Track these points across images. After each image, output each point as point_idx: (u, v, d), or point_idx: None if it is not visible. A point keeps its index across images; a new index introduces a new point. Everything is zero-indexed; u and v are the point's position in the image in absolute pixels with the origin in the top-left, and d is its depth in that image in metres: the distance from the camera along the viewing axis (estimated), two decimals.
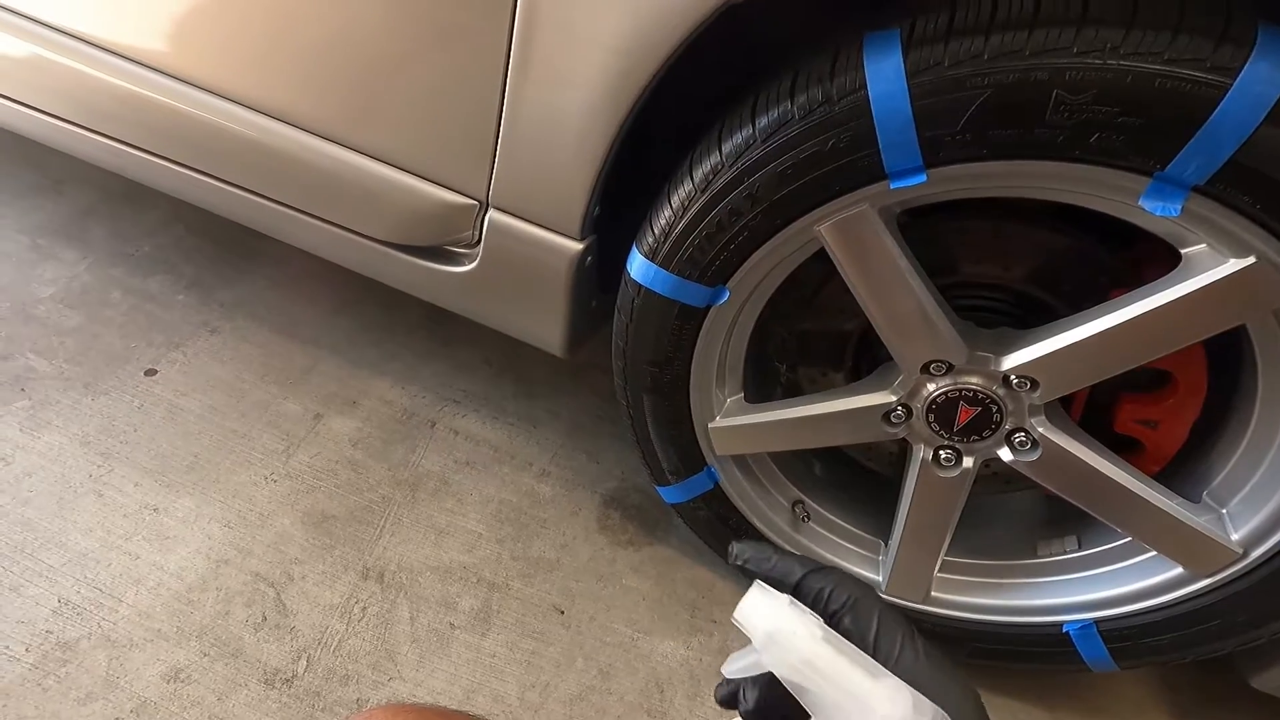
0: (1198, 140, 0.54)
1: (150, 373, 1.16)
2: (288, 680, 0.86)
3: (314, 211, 0.97)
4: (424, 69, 0.79)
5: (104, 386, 1.13)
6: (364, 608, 0.95)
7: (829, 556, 0.99)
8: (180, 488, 1.03)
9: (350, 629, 0.92)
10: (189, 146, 0.98)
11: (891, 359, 0.82)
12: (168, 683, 0.84)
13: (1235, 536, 0.76)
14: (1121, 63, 0.53)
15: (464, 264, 0.93)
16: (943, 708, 0.32)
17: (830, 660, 0.33)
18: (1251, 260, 0.60)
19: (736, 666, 0.39)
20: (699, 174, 0.72)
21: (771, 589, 0.38)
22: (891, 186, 0.65)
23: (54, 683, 0.82)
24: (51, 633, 0.86)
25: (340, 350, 1.26)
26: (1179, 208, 0.58)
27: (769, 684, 0.40)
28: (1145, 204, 0.59)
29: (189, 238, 1.40)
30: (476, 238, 0.89)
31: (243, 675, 0.86)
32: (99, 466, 1.03)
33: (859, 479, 1.05)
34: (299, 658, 0.89)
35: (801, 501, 1.00)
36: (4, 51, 0.99)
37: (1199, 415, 0.79)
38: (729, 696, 0.43)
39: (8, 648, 0.84)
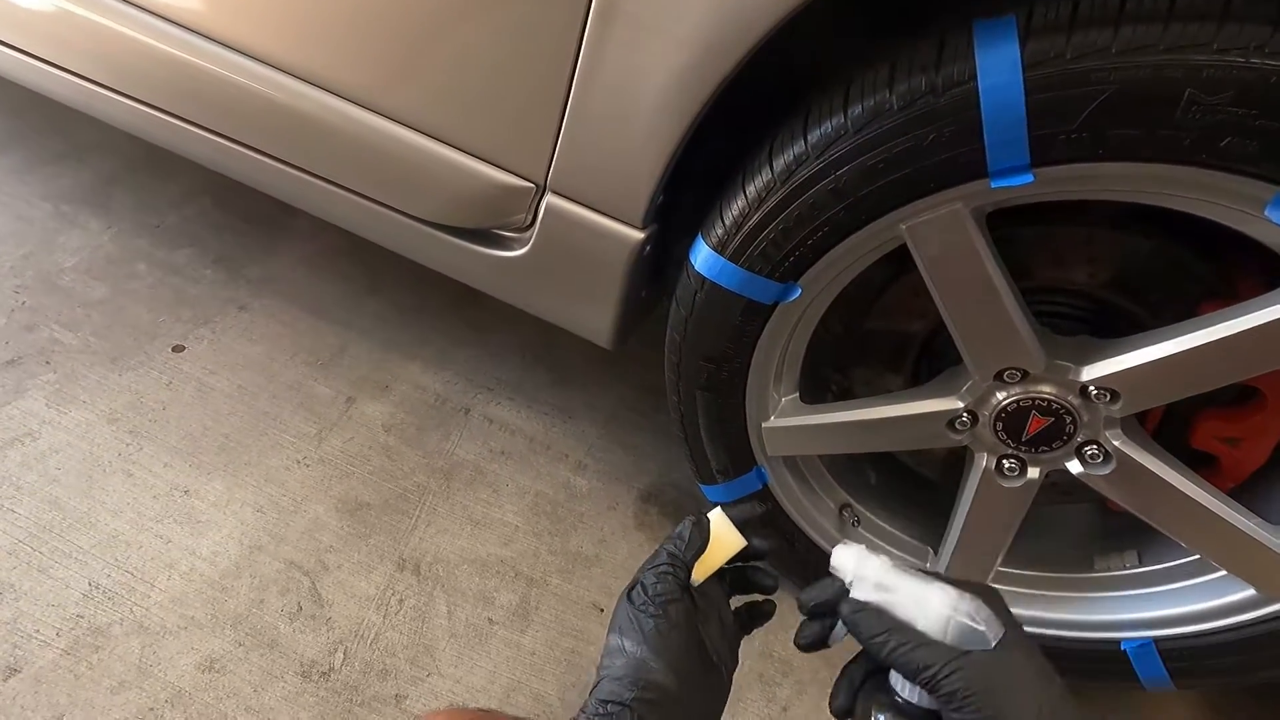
0: None
1: (178, 349, 1.13)
2: (325, 673, 0.84)
3: (355, 187, 0.93)
4: (486, 38, 0.75)
5: (131, 362, 1.10)
6: (401, 600, 0.92)
7: None
8: (211, 469, 1.00)
9: (387, 622, 0.90)
10: (225, 113, 0.94)
11: (957, 363, 0.79)
12: (203, 673, 0.82)
13: None
14: (1267, 62, 0.50)
15: (514, 249, 0.89)
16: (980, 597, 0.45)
17: (897, 579, 0.47)
18: None
19: (834, 633, 0.51)
20: (780, 164, 0.68)
21: (851, 544, 0.52)
22: (992, 185, 0.61)
23: (86, 669, 0.80)
24: (83, 617, 0.83)
25: (372, 332, 1.23)
26: None
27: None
28: (1272, 214, 0.56)
29: (215, 211, 1.36)
30: (529, 222, 0.86)
31: (279, 667, 0.84)
32: (128, 445, 1.00)
33: (909, 485, 1.02)
34: (336, 650, 0.86)
35: (849, 505, 0.97)
36: (30, 5, 0.94)
37: None
38: (815, 638, 0.52)
39: (38, 631, 0.81)
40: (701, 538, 0.56)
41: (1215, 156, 0.54)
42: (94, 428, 1.01)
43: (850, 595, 0.48)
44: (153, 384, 1.08)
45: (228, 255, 1.29)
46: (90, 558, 0.88)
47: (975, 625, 0.42)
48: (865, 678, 0.50)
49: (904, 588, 0.45)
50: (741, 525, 0.59)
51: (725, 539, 0.58)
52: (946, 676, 0.40)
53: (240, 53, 0.87)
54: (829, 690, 0.52)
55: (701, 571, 0.56)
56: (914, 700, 0.45)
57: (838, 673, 0.52)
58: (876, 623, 0.44)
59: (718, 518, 0.59)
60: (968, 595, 0.44)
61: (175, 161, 1.05)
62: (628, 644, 0.49)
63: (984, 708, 0.39)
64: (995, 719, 0.39)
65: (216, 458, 1.01)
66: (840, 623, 0.49)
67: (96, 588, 0.86)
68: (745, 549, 0.59)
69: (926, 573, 0.48)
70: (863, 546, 0.50)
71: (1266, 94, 0.51)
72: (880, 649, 0.43)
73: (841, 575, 0.48)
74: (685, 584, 0.53)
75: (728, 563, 0.59)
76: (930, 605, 0.43)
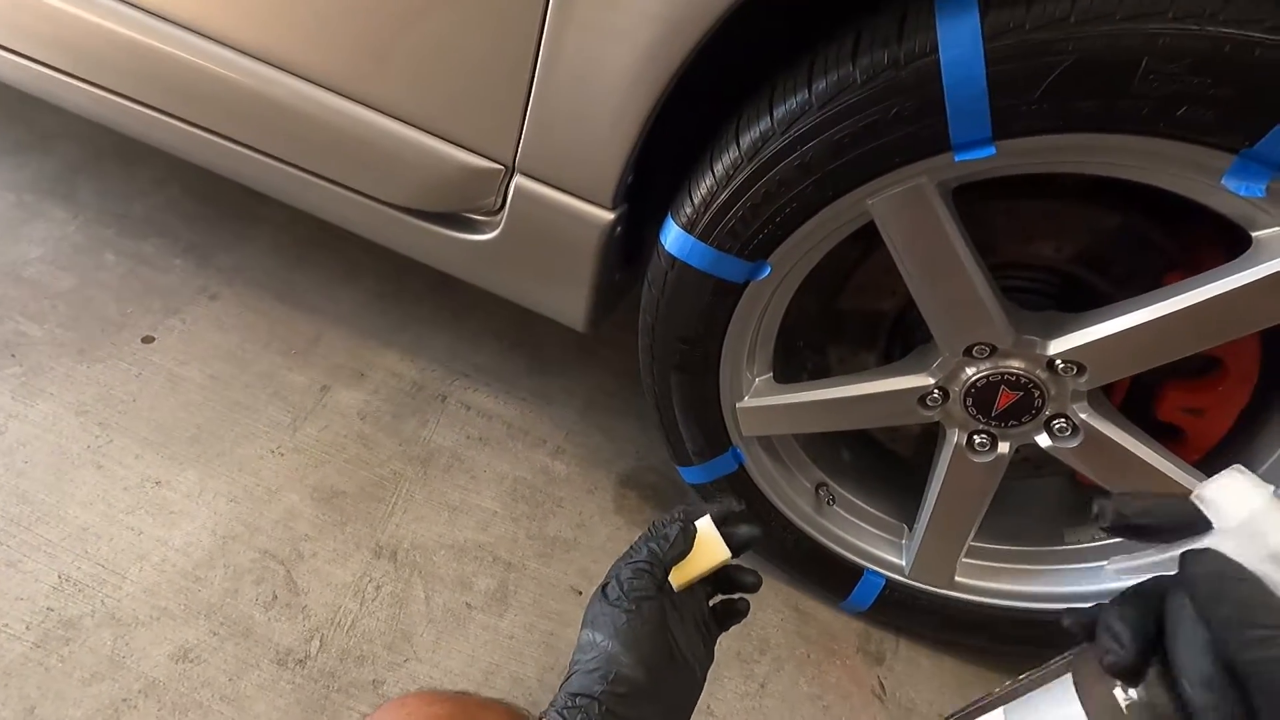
0: None
1: (148, 340, 1.12)
2: (300, 661, 0.84)
3: (323, 173, 0.92)
4: (450, 19, 0.74)
5: (99, 353, 1.08)
6: (378, 587, 0.92)
7: (851, 540, 0.98)
8: (183, 460, 0.99)
9: (364, 609, 0.89)
10: (190, 99, 0.92)
11: (928, 340, 0.80)
12: (176, 662, 0.81)
13: None
14: (1222, 30, 0.50)
15: (484, 232, 0.88)
16: None
17: None
18: None
19: (1137, 566, 0.32)
20: (746, 141, 0.68)
21: (1256, 476, 0.31)
22: (956, 159, 0.61)
23: (57, 662, 0.79)
24: (53, 610, 0.82)
25: (346, 320, 1.21)
26: (1264, 188, 0.55)
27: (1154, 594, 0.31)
28: (1228, 183, 0.56)
29: (184, 199, 1.34)
30: (499, 204, 0.85)
31: (254, 655, 0.83)
32: (97, 437, 0.99)
33: (883, 462, 1.03)
34: (312, 638, 0.86)
35: (825, 484, 0.98)
36: None
37: (1247, 402, 0.77)
38: (1080, 621, 0.34)
39: (7, 625, 0.80)
40: (686, 543, 0.55)
41: (1173, 126, 0.54)
42: (62, 420, 0.99)
43: (1212, 543, 0.30)
44: (122, 375, 1.06)
45: (198, 244, 1.27)
46: (60, 550, 0.87)
47: None
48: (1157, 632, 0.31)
49: None
50: (727, 534, 0.57)
51: (710, 550, 0.56)
52: None
53: (206, 37, 0.86)
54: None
55: (680, 578, 0.55)
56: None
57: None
58: (1268, 608, 0.27)
59: (705, 527, 0.57)
60: None
61: (142, 149, 1.03)
62: (599, 638, 0.48)
63: None
64: None
65: (188, 448, 1.00)
66: (1165, 564, 0.31)
67: (67, 580, 0.85)
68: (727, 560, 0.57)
69: None
70: (1271, 488, 0.30)
71: (1221, 62, 0.51)
72: (1254, 649, 0.26)
73: (1214, 515, 0.30)
74: (661, 582, 0.52)
75: (708, 574, 0.57)
76: None
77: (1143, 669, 0.30)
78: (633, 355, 0.90)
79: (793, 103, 0.65)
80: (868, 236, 0.74)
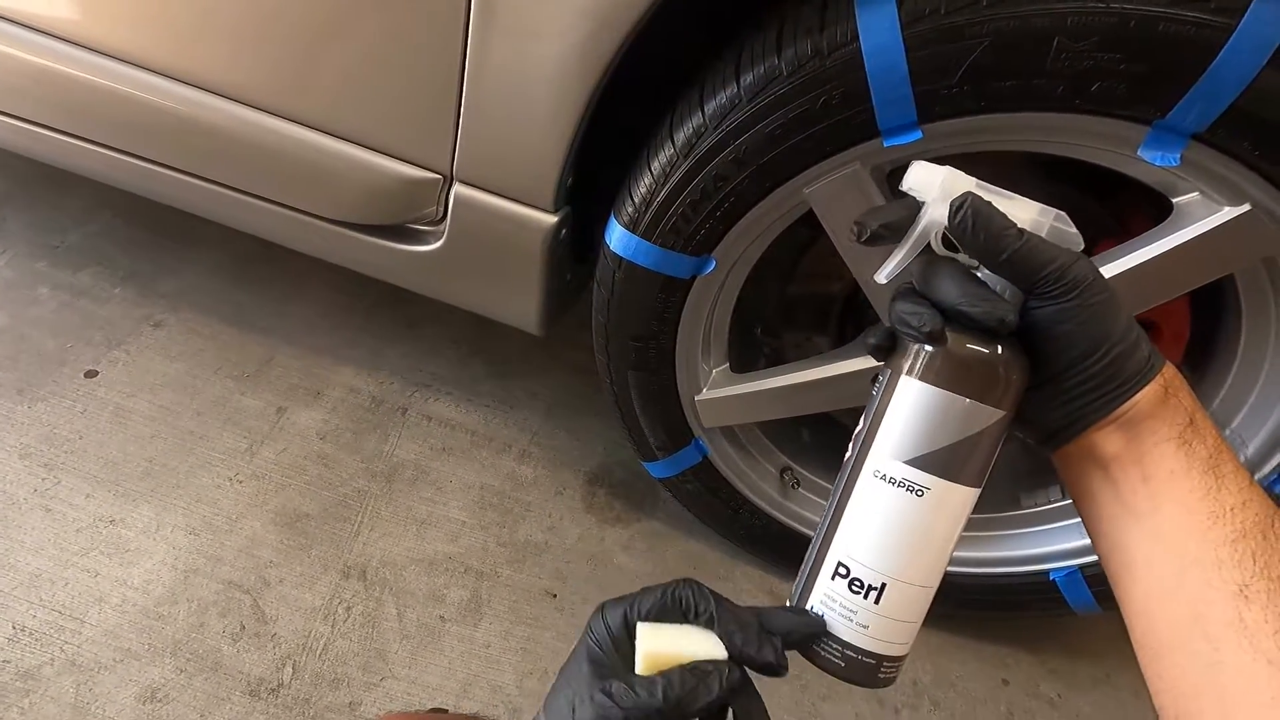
0: (1200, 86, 0.53)
1: (91, 374, 1.08)
2: (273, 690, 0.83)
3: (259, 193, 0.90)
4: (373, 28, 0.72)
5: (40, 392, 1.05)
6: (348, 608, 0.91)
7: (819, 520, 0.99)
8: (136, 496, 0.96)
9: (336, 631, 0.89)
10: (113, 126, 0.89)
11: (878, 322, 0.81)
12: (144, 703, 0.79)
13: None
14: (1125, 6, 0.51)
15: (429, 243, 0.87)
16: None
17: (989, 190, 0.39)
18: (1246, 208, 0.59)
19: (897, 261, 0.40)
20: (680, 138, 0.68)
21: (927, 161, 0.41)
22: (885, 145, 0.62)
23: (17, 715, 0.77)
24: (9, 662, 0.80)
25: (298, 338, 1.19)
26: (1178, 157, 0.57)
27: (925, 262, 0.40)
28: (1144, 154, 0.58)
29: (120, 226, 1.30)
30: (441, 214, 0.84)
31: (224, 689, 0.82)
32: (43, 479, 0.96)
33: (845, 441, 1.04)
34: (283, 665, 0.85)
35: (790, 468, 0.99)
36: None
37: (1180, 362, 0.80)
38: (882, 338, 0.41)
39: None
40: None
41: (1088, 101, 0.56)
42: (4, 465, 0.96)
43: (932, 212, 0.39)
44: (65, 413, 1.03)
45: (137, 271, 1.23)
46: (11, 600, 0.84)
47: (1068, 229, 0.39)
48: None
49: (995, 198, 0.38)
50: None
51: (697, 648, 0.38)
52: (1072, 264, 0.36)
53: (123, 61, 0.83)
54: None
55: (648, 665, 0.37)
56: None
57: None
58: (1002, 217, 0.36)
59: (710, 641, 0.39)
60: (1051, 210, 0.39)
61: (72, 177, 1.00)
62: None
63: (1098, 295, 0.36)
64: (1103, 309, 0.37)
65: (141, 483, 0.97)
66: (911, 249, 0.39)
67: (22, 630, 0.83)
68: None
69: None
70: (947, 166, 0.40)
71: (1128, 38, 0.52)
72: (1003, 243, 0.36)
73: (922, 195, 0.39)
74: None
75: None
76: (1022, 214, 0.38)
77: (943, 326, 0.38)
78: (594, 353, 0.90)
79: (723, 97, 0.65)
80: (813, 223, 0.75)
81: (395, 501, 1.02)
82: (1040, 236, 0.38)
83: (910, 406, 0.39)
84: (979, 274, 0.39)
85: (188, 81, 0.82)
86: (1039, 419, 0.40)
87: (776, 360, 0.98)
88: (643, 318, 0.80)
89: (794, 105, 0.62)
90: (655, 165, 0.71)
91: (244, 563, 0.92)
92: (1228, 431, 0.78)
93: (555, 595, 0.97)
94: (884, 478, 0.39)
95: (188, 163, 0.90)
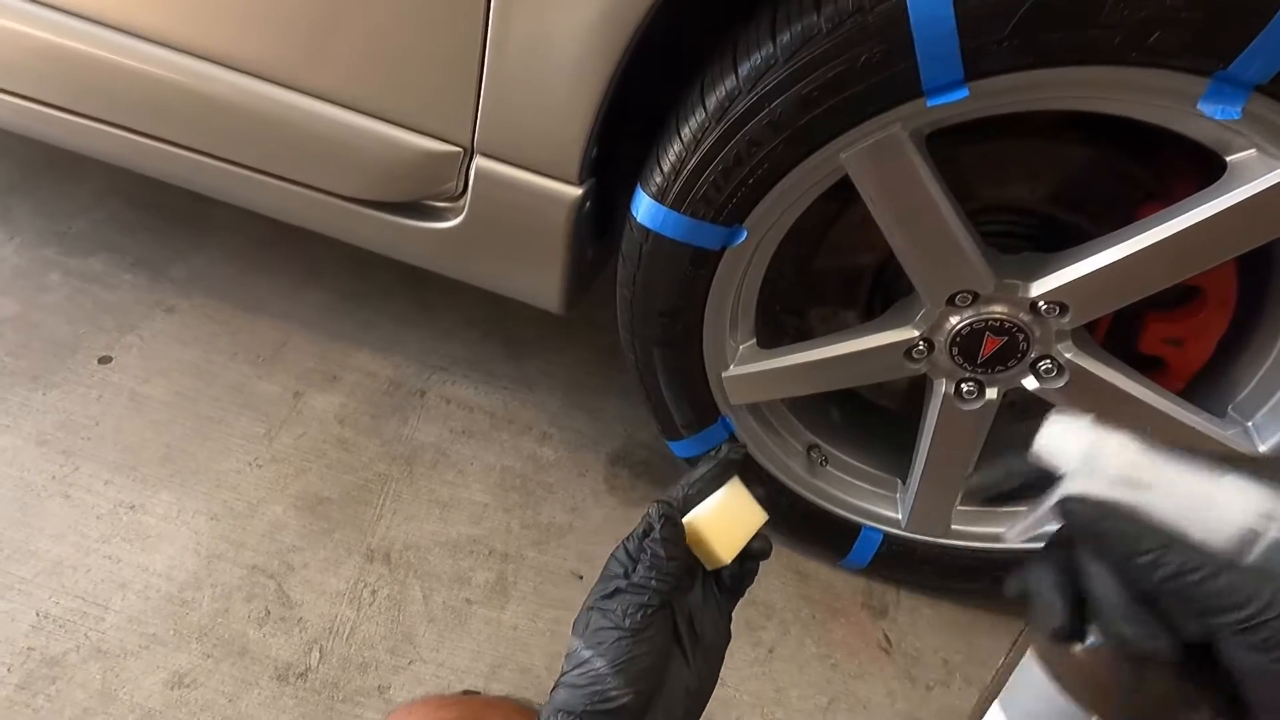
0: (1266, 33, 0.50)
1: (105, 360, 1.07)
2: (301, 674, 0.82)
3: (272, 170, 0.87)
4: None
5: (54, 379, 1.03)
6: (373, 591, 0.90)
7: (847, 499, 0.98)
8: (156, 482, 0.95)
9: (362, 614, 0.88)
10: (123, 104, 0.87)
11: (909, 293, 0.79)
12: (171, 689, 0.79)
13: (1262, 448, 0.76)
14: None
15: (448, 219, 0.85)
16: None
17: (1156, 469, 0.29)
18: None
19: (1023, 527, 0.32)
20: (713, 101, 0.66)
21: (1067, 417, 0.32)
22: (928, 104, 0.60)
23: (44, 701, 0.76)
24: (34, 649, 0.79)
25: (313, 322, 1.17)
26: (1240, 109, 0.54)
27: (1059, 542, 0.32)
28: (1204, 107, 0.55)
29: (128, 210, 1.28)
30: (461, 189, 0.82)
31: (252, 674, 0.81)
32: (61, 466, 0.94)
33: (873, 419, 1.02)
34: (311, 649, 0.84)
35: (817, 446, 0.97)
36: None
37: (1226, 329, 0.78)
38: (1017, 590, 0.34)
39: None
40: (684, 550, 0.49)
41: (1146, 54, 0.53)
42: (22, 453, 0.95)
43: (1068, 488, 0.30)
44: (81, 400, 1.02)
45: (147, 256, 1.21)
46: (34, 587, 0.84)
47: None
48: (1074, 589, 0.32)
49: (1170, 481, 0.28)
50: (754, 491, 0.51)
51: (749, 515, 0.49)
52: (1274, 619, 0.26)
53: (132, 34, 0.80)
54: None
55: (727, 551, 0.48)
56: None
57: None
58: (1145, 533, 0.28)
59: (736, 491, 0.50)
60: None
61: (79, 162, 0.98)
62: (586, 652, 0.45)
63: None
64: None
65: (160, 469, 0.96)
66: (1046, 517, 0.31)
67: (46, 617, 0.82)
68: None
69: (1192, 453, 0.30)
70: (1089, 418, 0.31)
71: None
72: (1150, 572, 0.27)
73: (1054, 461, 0.31)
74: (666, 599, 0.47)
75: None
76: (1221, 508, 0.27)
77: (1081, 625, 0.31)
78: (612, 331, 0.88)
79: (758, 58, 0.62)
80: (842, 192, 0.72)
81: (416, 485, 1.01)
82: (1220, 559, 0.27)
83: (1033, 685, 0.32)
84: None
85: (199, 55, 0.79)
86: None
87: (803, 336, 0.96)
88: (670, 292, 0.78)
89: (833, 64, 0.59)
90: (685, 131, 0.68)
91: (267, 547, 0.91)
92: (1272, 402, 0.76)
93: (581, 577, 0.96)
94: None
95: (200, 141, 0.88)
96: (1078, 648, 0.31)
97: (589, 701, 0.44)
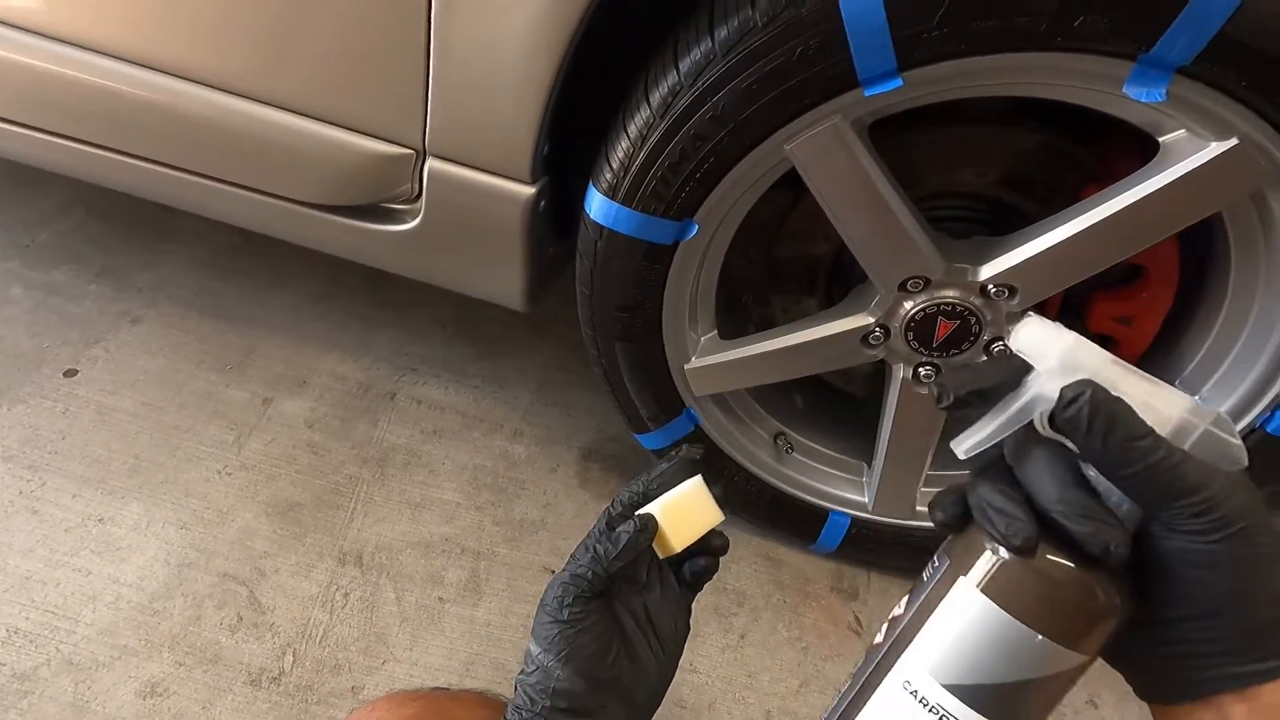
0: (1186, 15, 0.51)
1: (70, 373, 1.06)
2: (275, 678, 0.82)
3: (228, 178, 0.87)
4: (335, 2, 0.70)
5: (19, 394, 1.03)
6: (346, 594, 0.90)
7: (814, 484, 0.99)
8: (124, 493, 0.95)
9: (335, 617, 0.88)
10: (74, 118, 0.86)
11: (865, 281, 0.80)
12: (144, 699, 0.79)
13: None
14: None
15: (405, 221, 0.85)
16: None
17: (1121, 374, 0.31)
18: (1234, 142, 0.58)
19: (984, 435, 0.32)
20: (656, 98, 0.66)
21: (1044, 319, 0.33)
22: (865, 94, 0.60)
23: (16, 716, 0.76)
24: (4, 664, 0.79)
25: (280, 327, 1.17)
26: (1164, 91, 0.56)
27: (1025, 440, 0.32)
28: (1130, 90, 0.56)
29: (93, 221, 1.27)
30: (416, 191, 0.82)
31: (225, 680, 0.81)
32: (28, 481, 0.94)
33: (837, 404, 1.04)
34: (284, 654, 0.84)
35: (783, 433, 0.99)
36: None
37: (1171, 305, 0.80)
38: (953, 514, 0.33)
39: None
40: (646, 541, 0.49)
41: (1071, 38, 0.54)
42: None
43: (1034, 386, 0.31)
44: (47, 414, 1.01)
45: (112, 267, 1.21)
46: (2, 603, 0.84)
47: (1228, 438, 0.30)
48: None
49: (1129, 385, 0.30)
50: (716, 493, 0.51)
51: (704, 512, 0.50)
52: (1227, 496, 0.28)
53: (82, 47, 0.80)
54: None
55: (680, 541, 0.49)
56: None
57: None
58: (1136, 420, 0.29)
59: (696, 488, 0.50)
60: (1206, 408, 0.31)
61: (42, 173, 0.97)
62: (535, 649, 0.46)
63: (1257, 543, 0.29)
64: (1259, 561, 0.29)
65: (129, 480, 0.96)
66: (1005, 424, 0.31)
67: (15, 632, 0.82)
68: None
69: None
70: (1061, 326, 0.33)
71: None
72: (1131, 456, 0.29)
73: (1037, 358, 0.32)
74: (602, 588, 0.48)
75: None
76: (1165, 410, 0.30)
77: (1037, 540, 0.30)
78: (580, 327, 0.88)
79: (697, 53, 0.63)
80: (796, 183, 0.73)
81: (388, 486, 1.02)
82: (1184, 451, 0.29)
83: (967, 623, 0.31)
84: (1088, 470, 0.31)
85: (152, 66, 0.79)
86: (1136, 665, 0.33)
87: (765, 325, 0.97)
88: (627, 287, 0.79)
89: (770, 57, 0.60)
90: (632, 128, 0.69)
91: (238, 554, 0.92)
92: (1219, 374, 0.78)
93: (554, 571, 0.96)
94: (913, 693, 0.32)
95: (156, 151, 0.87)
96: (1036, 560, 0.30)
97: (544, 696, 0.45)
